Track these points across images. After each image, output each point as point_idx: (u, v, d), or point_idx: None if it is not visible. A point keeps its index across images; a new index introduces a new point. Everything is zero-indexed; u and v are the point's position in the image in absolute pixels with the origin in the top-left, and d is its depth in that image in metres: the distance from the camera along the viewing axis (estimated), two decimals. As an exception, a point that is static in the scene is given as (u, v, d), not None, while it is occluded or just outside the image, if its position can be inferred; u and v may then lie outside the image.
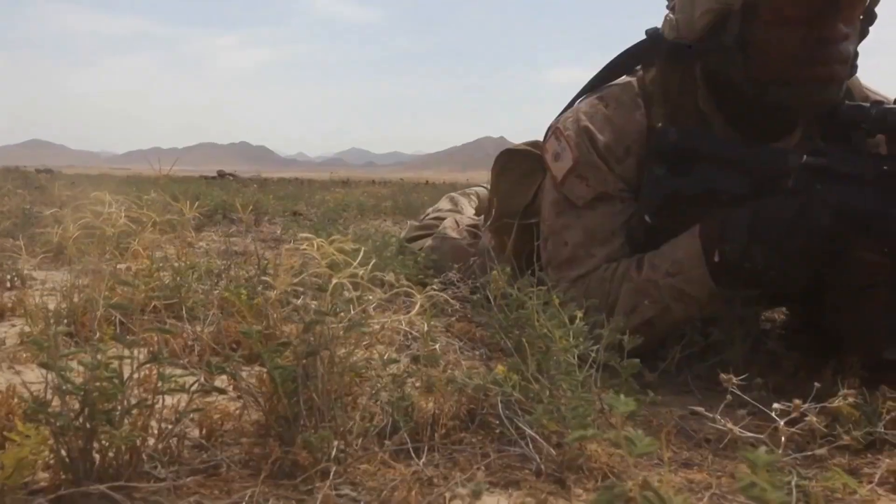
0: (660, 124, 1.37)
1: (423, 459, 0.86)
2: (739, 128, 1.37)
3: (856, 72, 1.33)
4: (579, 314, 1.02)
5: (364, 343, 1.09)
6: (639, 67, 1.49)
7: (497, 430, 0.94)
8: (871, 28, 1.31)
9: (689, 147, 1.31)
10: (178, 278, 1.63)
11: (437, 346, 1.22)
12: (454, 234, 2.23)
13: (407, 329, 1.38)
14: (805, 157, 1.20)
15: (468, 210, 2.61)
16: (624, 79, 1.49)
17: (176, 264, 1.77)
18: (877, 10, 1.31)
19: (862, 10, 1.28)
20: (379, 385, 0.99)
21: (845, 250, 1.18)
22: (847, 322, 1.24)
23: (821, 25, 1.23)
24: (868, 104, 1.15)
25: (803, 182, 1.19)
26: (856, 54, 1.30)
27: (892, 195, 1.10)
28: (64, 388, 0.70)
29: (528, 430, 0.88)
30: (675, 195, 1.32)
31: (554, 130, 1.48)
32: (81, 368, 0.74)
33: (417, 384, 1.03)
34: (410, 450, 0.88)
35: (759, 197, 1.22)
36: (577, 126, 1.43)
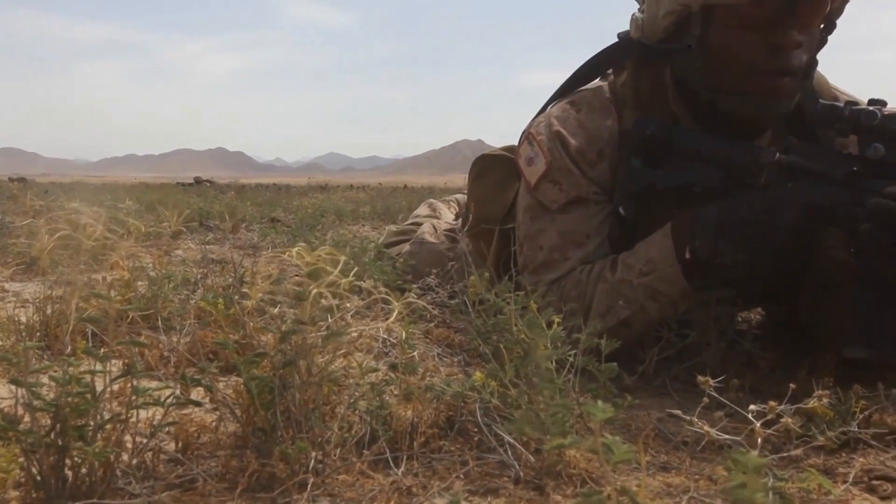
0: (636, 120, 1.38)
1: (402, 469, 0.86)
2: (709, 130, 1.38)
3: (811, 79, 1.35)
4: (557, 319, 1.02)
5: (342, 351, 1.08)
6: (610, 71, 1.50)
7: (476, 438, 0.93)
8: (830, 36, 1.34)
9: (665, 140, 1.33)
10: (155, 288, 1.62)
11: (415, 354, 1.22)
12: (432, 239, 2.23)
13: (385, 336, 1.38)
14: (777, 154, 1.21)
15: (447, 216, 2.62)
16: (595, 83, 1.50)
17: (152, 274, 1.75)
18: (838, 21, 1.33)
19: (821, 18, 1.30)
20: (357, 394, 0.98)
21: (814, 248, 1.20)
22: (817, 321, 1.26)
23: (776, 31, 1.25)
24: (841, 104, 1.17)
25: (774, 179, 1.20)
26: (813, 63, 1.32)
27: (861, 195, 1.12)
28: (34, 404, 0.69)
29: (507, 437, 0.88)
30: (650, 188, 1.34)
31: (527, 135, 1.49)
32: (54, 383, 0.73)
33: (396, 392, 1.03)
34: (389, 459, 0.87)
35: (732, 192, 1.24)
36: (549, 131, 1.44)
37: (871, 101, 1.16)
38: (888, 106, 1.16)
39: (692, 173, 1.30)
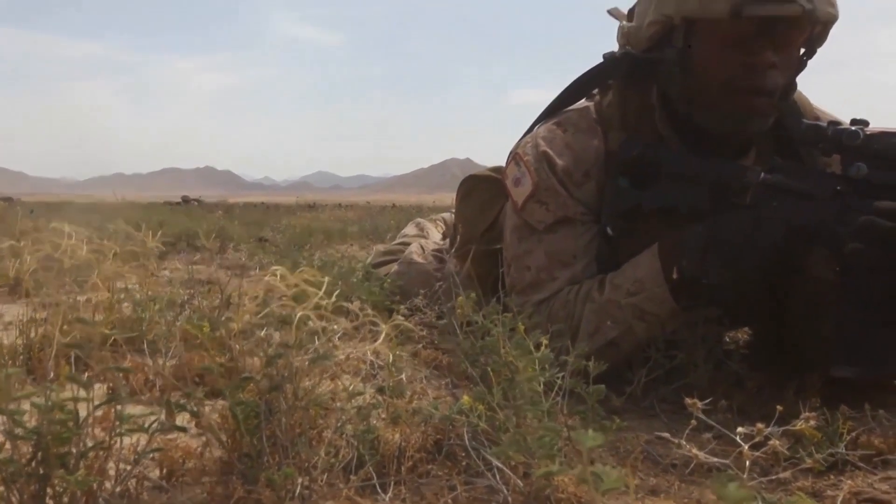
0: (623, 140, 1.39)
1: (390, 494, 0.85)
2: (694, 150, 1.39)
3: (787, 100, 1.36)
4: (544, 341, 1.01)
5: (329, 374, 1.08)
6: (596, 92, 1.51)
7: (464, 462, 0.93)
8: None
9: (652, 160, 1.34)
10: (140, 310, 1.61)
11: (403, 376, 1.21)
12: (420, 260, 2.22)
13: (373, 359, 1.37)
14: (762, 174, 1.22)
15: (435, 235, 2.62)
16: (582, 103, 1.51)
17: (138, 296, 1.74)
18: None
19: (801, 42, 1.31)
20: (344, 418, 0.97)
21: (799, 268, 1.20)
22: (803, 340, 1.26)
23: (752, 50, 1.26)
24: (825, 124, 1.18)
25: (760, 198, 1.21)
26: (790, 86, 1.33)
27: (845, 214, 1.13)
28: (16, 432, 0.68)
29: (496, 462, 0.87)
30: (637, 208, 1.34)
31: (514, 156, 1.50)
32: (36, 411, 0.71)
33: (383, 416, 1.02)
34: (377, 485, 0.87)
35: (718, 212, 1.24)
36: (536, 151, 1.45)
37: (854, 122, 1.17)
38: (870, 126, 1.17)
39: (679, 194, 1.31)
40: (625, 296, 1.28)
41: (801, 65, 1.34)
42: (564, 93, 1.55)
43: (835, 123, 1.17)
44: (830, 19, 1.28)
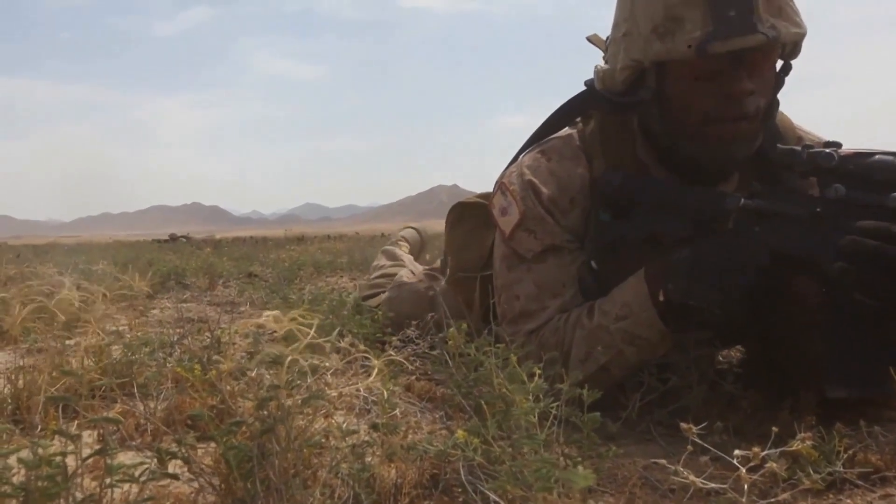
0: (604, 170, 1.40)
1: (387, 534, 0.84)
2: (676, 177, 1.40)
3: (772, 120, 1.38)
4: (538, 370, 1.01)
5: (322, 412, 1.07)
6: (579, 119, 1.52)
7: (461, 498, 0.92)
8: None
9: (632, 192, 1.34)
10: (130, 354, 1.59)
11: (397, 412, 1.20)
12: (410, 280, 2.23)
13: (366, 395, 1.36)
14: (743, 199, 1.23)
15: (406, 257, 2.64)
16: (566, 131, 1.52)
17: (128, 337, 1.73)
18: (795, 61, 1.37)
19: (772, 64, 1.32)
20: (339, 457, 0.96)
21: (785, 289, 1.21)
22: (793, 360, 1.26)
23: (726, 82, 1.28)
24: (800, 147, 1.19)
25: (742, 224, 1.22)
26: (773, 105, 1.35)
27: (826, 235, 1.14)
28: (2, 490, 0.66)
29: (493, 496, 0.86)
30: (620, 240, 1.35)
31: (500, 185, 1.50)
32: (23, 466, 0.70)
33: (378, 453, 1.01)
34: (373, 524, 0.85)
35: (701, 239, 1.25)
36: (521, 180, 1.45)
37: (827, 144, 1.19)
38: (843, 147, 1.18)
39: (661, 223, 1.32)
40: (613, 321, 1.28)
41: (779, 83, 1.36)
42: (548, 121, 1.56)
43: (808, 146, 1.19)
44: (797, 39, 1.29)
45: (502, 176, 1.52)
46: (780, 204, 1.19)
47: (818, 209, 1.15)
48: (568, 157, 1.45)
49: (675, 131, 1.35)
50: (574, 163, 1.44)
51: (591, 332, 1.30)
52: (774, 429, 0.90)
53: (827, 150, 1.15)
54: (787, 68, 1.36)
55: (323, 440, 0.99)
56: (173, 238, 15.76)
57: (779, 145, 1.23)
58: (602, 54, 1.50)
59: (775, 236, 1.18)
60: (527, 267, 1.42)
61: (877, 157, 1.13)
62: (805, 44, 1.34)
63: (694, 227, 1.28)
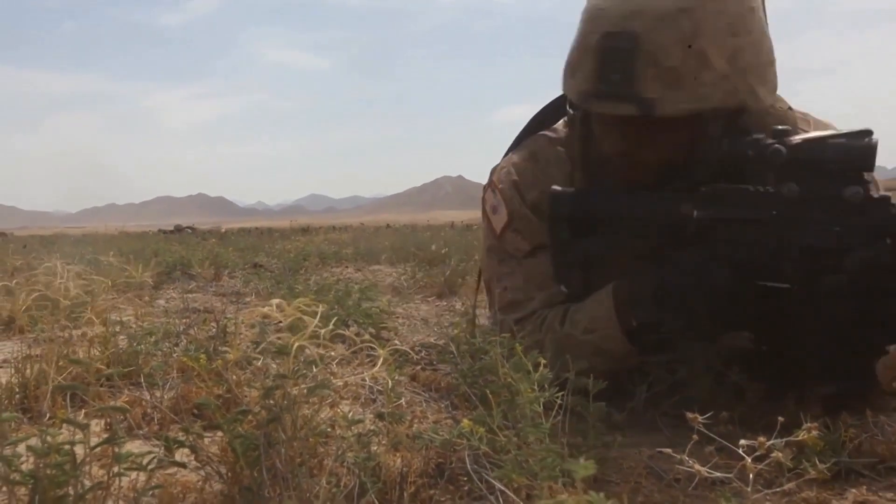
0: (553, 187, 1.37)
1: (393, 522, 0.84)
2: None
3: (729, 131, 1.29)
4: (542, 360, 1.01)
5: (328, 401, 1.07)
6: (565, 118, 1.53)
7: (466, 486, 0.92)
8: None
9: (586, 207, 1.34)
10: (136, 344, 1.60)
11: (402, 401, 1.20)
12: None
13: (371, 384, 1.36)
14: (695, 210, 1.22)
15: None
16: (552, 129, 1.52)
17: (133, 328, 1.73)
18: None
19: (686, 127, 1.26)
20: (345, 446, 0.97)
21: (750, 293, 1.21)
22: (790, 357, 1.26)
23: (629, 140, 1.29)
24: (748, 143, 1.17)
25: (701, 235, 1.22)
26: (733, 119, 1.28)
27: (783, 241, 1.14)
28: (11, 477, 0.67)
29: (498, 485, 0.87)
30: (584, 258, 1.35)
31: (490, 183, 1.51)
32: (32, 454, 0.71)
33: (384, 442, 1.02)
34: (379, 513, 0.86)
35: (662, 249, 1.25)
36: (508, 180, 1.47)
37: (776, 133, 1.16)
38: (795, 134, 1.16)
39: (619, 237, 1.31)
40: (582, 332, 1.29)
41: (702, 133, 1.27)
42: (536, 118, 1.58)
43: (755, 141, 1.16)
44: (685, 113, 1.20)
45: (493, 172, 1.54)
46: (738, 208, 1.18)
47: (774, 212, 1.14)
48: (553, 161, 1.45)
49: (598, 155, 1.37)
50: (559, 166, 1.44)
51: (561, 339, 1.31)
52: (780, 419, 0.90)
53: (775, 146, 1.13)
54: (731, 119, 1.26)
55: (329, 429, 0.99)
56: (179, 229, 15.79)
57: (726, 141, 1.20)
58: None
59: (736, 249, 1.18)
60: (517, 262, 1.44)
61: (829, 143, 1.11)
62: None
63: (652, 237, 1.28)
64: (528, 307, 1.40)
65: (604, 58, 1.22)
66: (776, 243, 1.15)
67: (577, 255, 1.34)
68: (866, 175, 1.13)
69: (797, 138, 1.14)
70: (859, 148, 1.10)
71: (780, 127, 1.17)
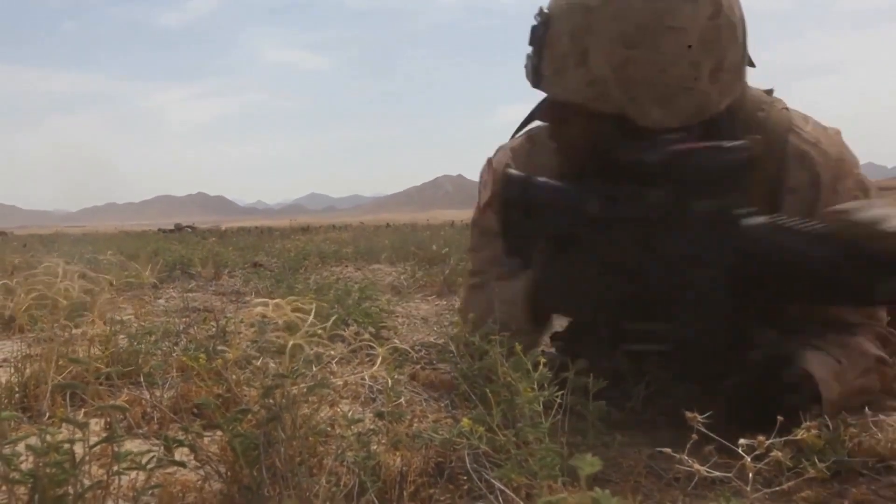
0: (507, 170, 1.39)
1: (392, 521, 0.84)
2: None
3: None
4: (542, 360, 1.01)
5: (328, 400, 1.07)
6: None
7: (465, 486, 0.92)
8: None
9: (528, 194, 1.36)
10: (135, 343, 1.60)
11: (402, 400, 1.20)
12: None
13: (371, 383, 1.36)
14: (600, 198, 1.25)
15: None
16: None
17: (133, 327, 1.73)
18: None
19: (576, 118, 1.30)
20: (344, 445, 0.97)
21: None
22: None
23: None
24: (637, 145, 1.19)
25: (591, 234, 1.26)
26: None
27: (649, 244, 1.19)
28: (11, 476, 0.67)
29: (498, 484, 0.87)
30: (532, 237, 1.38)
31: (488, 161, 1.53)
32: (31, 453, 0.71)
33: (383, 441, 1.02)
34: (379, 512, 0.86)
35: (581, 236, 1.29)
36: (503, 161, 1.50)
37: (656, 141, 1.19)
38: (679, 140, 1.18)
39: (551, 221, 1.34)
40: (499, 304, 1.36)
41: (594, 129, 1.31)
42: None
43: (654, 145, 1.18)
44: (557, 99, 1.30)
45: (496, 151, 1.58)
46: (632, 207, 1.21)
47: (650, 214, 1.19)
48: (547, 148, 1.46)
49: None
50: (551, 153, 1.45)
51: (485, 302, 1.42)
52: (779, 417, 0.90)
53: (655, 156, 1.16)
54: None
55: (328, 428, 0.99)
56: (179, 228, 15.79)
57: (623, 145, 1.22)
58: None
59: (610, 250, 1.23)
60: (489, 239, 1.53)
61: (696, 154, 1.14)
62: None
63: (570, 225, 1.30)
64: (484, 277, 1.53)
65: (532, 35, 1.31)
66: (643, 248, 1.19)
67: (524, 234, 1.39)
68: (821, 178, 1.23)
69: (677, 147, 1.16)
70: (721, 162, 1.14)
71: (672, 136, 1.19)
